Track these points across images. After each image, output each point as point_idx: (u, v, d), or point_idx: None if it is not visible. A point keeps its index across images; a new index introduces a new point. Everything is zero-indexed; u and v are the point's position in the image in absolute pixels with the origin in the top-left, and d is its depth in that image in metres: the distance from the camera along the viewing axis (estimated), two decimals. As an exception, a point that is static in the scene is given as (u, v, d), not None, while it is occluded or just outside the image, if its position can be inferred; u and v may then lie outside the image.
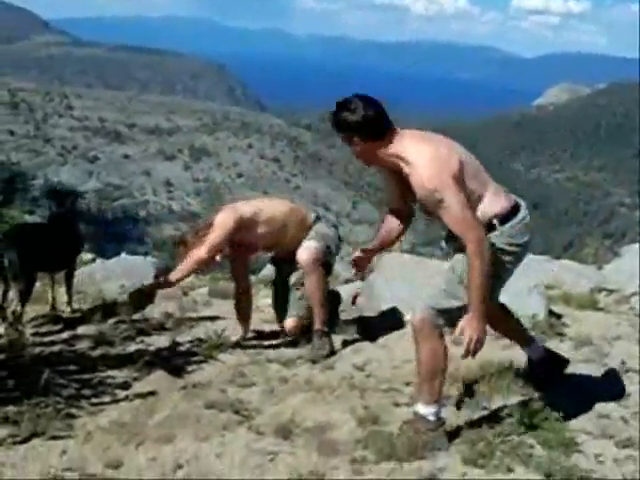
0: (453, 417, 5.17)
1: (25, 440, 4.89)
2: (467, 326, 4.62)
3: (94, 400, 5.64)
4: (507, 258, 4.80)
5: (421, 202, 4.70)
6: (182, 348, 6.96)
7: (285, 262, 7.22)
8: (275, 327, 7.52)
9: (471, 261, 4.51)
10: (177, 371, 6.27)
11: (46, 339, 7.28)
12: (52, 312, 8.07)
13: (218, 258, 6.97)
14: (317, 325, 6.89)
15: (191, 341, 7.12)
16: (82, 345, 7.08)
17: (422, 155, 4.60)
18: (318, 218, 7.26)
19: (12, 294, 7.26)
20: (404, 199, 5.10)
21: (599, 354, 6.60)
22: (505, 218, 4.77)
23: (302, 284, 7.11)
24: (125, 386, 5.93)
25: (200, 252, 6.72)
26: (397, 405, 5.56)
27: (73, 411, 5.38)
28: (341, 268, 7.93)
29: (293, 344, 7.07)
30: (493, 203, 4.76)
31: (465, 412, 5.34)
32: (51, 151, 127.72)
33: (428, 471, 4.48)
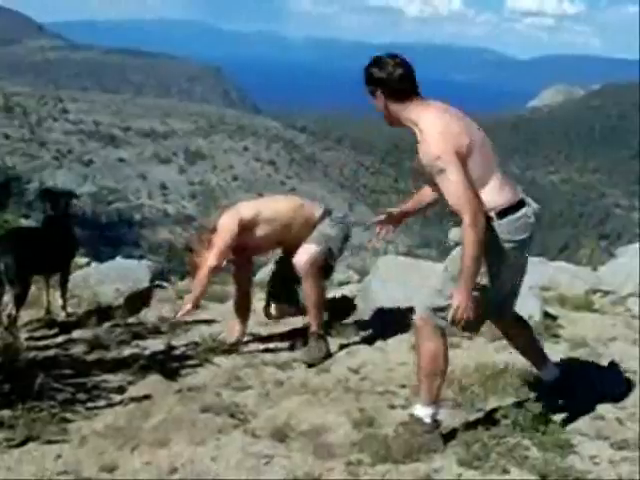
0: (449, 419, 5.17)
1: (20, 444, 4.89)
2: (455, 295, 4.63)
3: (89, 404, 5.64)
4: (492, 250, 4.76)
5: (424, 170, 4.73)
6: (177, 352, 6.95)
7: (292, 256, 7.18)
8: (271, 330, 7.52)
9: (465, 233, 4.53)
10: (172, 375, 6.26)
11: (41, 343, 7.27)
12: (47, 316, 8.05)
13: (224, 262, 6.99)
14: (313, 327, 6.86)
15: (186, 344, 7.10)
16: (77, 349, 7.07)
17: (434, 126, 4.69)
18: (326, 215, 7.09)
19: (7, 298, 7.24)
20: None
21: (594, 355, 6.60)
22: (504, 212, 4.77)
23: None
24: (120, 390, 5.92)
25: (210, 261, 6.78)
26: (392, 407, 5.56)
27: (68, 415, 5.38)
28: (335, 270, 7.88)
29: (290, 347, 7.07)
30: (495, 195, 4.76)
31: (461, 414, 5.34)
32: (46, 155, 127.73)
33: (424, 473, 4.49)
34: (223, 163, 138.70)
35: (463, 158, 4.62)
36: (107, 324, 7.77)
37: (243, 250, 7.03)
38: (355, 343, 7.10)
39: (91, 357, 6.85)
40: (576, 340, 6.88)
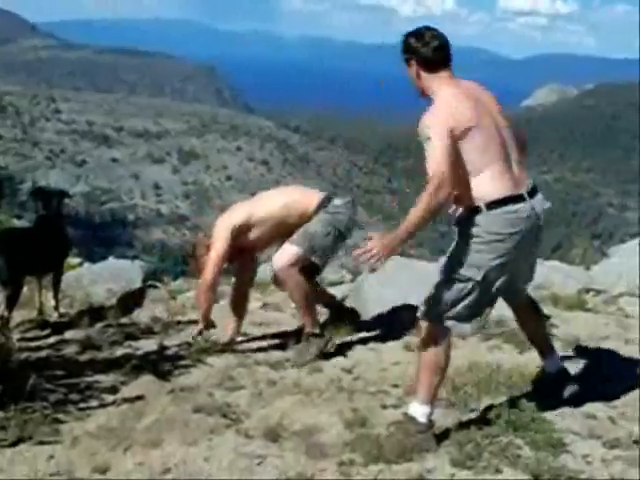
0: (442, 419, 5.17)
1: (12, 445, 4.88)
2: (379, 238, 4.69)
3: (81, 405, 5.62)
4: (479, 243, 4.84)
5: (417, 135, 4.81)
6: (170, 352, 6.94)
7: None
8: (265, 330, 7.52)
9: (422, 198, 4.59)
10: (165, 375, 6.25)
11: (33, 344, 7.26)
12: (39, 317, 8.04)
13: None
14: (307, 328, 6.83)
15: (179, 345, 7.09)
16: (69, 350, 7.06)
17: (443, 100, 4.85)
18: (322, 206, 6.91)
19: (-1, 299, 7.24)
20: None
21: (587, 355, 6.61)
22: (494, 204, 4.79)
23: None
24: (113, 390, 5.91)
25: (206, 277, 6.86)
26: (385, 407, 5.56)
27: (60, 416, 5.36)
28: (326, 270, 7.86)
29: (282, 347, 7.06)
30: (487, 185, 4.80)
31: (454, 413, 5.34)
32: (39, 155, 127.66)
33: (416, 473, 4.48)
34: (216, 163, 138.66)
35: (457, 138, 4.70)
36: (99, 324, 7.76)
37: (240, 252, 7.04)
38: (348, 343, 7.09)
39: (83, 357, 6.84)
40: (569, 339, 6.89)
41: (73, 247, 9.83)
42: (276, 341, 7.20)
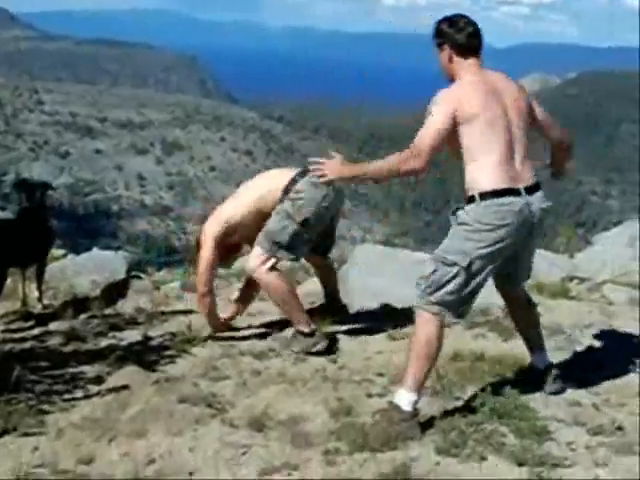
0: (426, 407, 5.18)
1: (-3, 436, 4.87)
2: (338, 161, 5.12)
3: (66, 396, 5.61)
4: (468, 231, 4.94)
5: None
6: (154, 342, 6.93)
7: None
8: (249, 320, 7.52)
9: (394, 155, 5.00)
10: (149, 365, 6.24)
11: (17, 335, 7.25)
12: (23, 308, 8.01)
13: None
14: (297, 327, 6.71)
15: (163, 335, 7.08)
16: (54, 341, 7.04)
17: (459, 84, 5.13)
18: (285, 194, 6.68)
19: (-18, 291, 7.22)
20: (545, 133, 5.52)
21: (571, 342, 6.64)
22: (486, 195, 4.90)
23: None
24: (97, 381, 5.90)
25: (199, 290, 6.93)
26: (370, 396, 5.57)
27: (45, 407, 5.36)
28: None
29: (265, 336, 7.06)
30: (481, 175, 4.95)
31: (438, 402, 5.35)
32: (22, 146, 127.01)
33: (401, 461, 4.48)
34: (200, 154, 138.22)
35: (458, 123, 4.92)
36: (84, 316, 7.75)
37: (236, 248, 7.04)
38: (333, 332, 7.09)
39: (68, 349, 6.83)
40: (553, 327, 6.91)
41: (57, 238, 9.79)
42: (260, 331, 7.19)
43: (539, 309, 7.30)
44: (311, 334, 6.62)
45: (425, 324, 4.96)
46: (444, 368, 5.75)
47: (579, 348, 6.50)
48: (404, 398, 4.91)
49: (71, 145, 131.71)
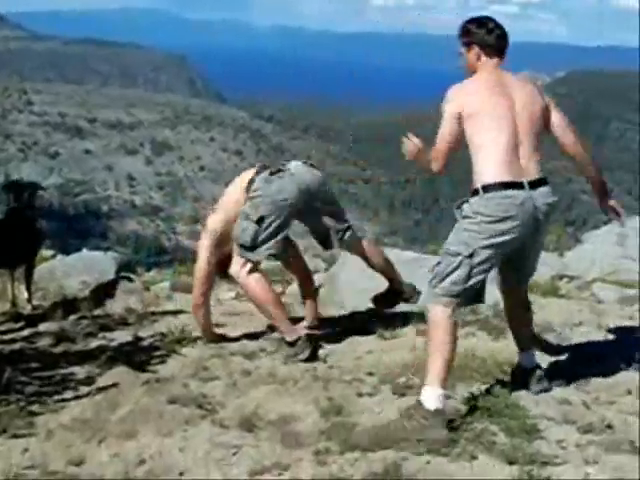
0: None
1: (-13, 438, 4.86)
2: (415, 143, 5.37)
3: (56, 397, 5.61)
4: (471, 223, 5.00)
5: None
6: (144, 343, 6.93)
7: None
8: (239, 320, 7.51)
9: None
10: (139, 366, 6.23)
11: (7, 337, 7.24)
12: (12, 309, 8.00)
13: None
14: (280, 333, 6.66)
15: (153, 336, 7.08)
16: (43, 342, 7.04)
17: (471, 80, 5.33)
18: (248, 199, 6.62)
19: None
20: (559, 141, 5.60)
21: (561, 340, 6.65)
22: (489, 187, 4.97)
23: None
24: (87, 382, 5.89)
25: (195, 301, 6.94)
26: (360, 396, 5.56)
27: (35, 408, 5.35)
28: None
29: (255, 337, 7.05)
30: (484, 167, 5.04)
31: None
32: (11, 147, 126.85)
33: (392, 460, 4.48)
34: (190, 154, 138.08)
35: (463, 118, 5.10)
36: (73, 316, 7.73)
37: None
38: (323, 332, 7.08)
39: (58, 350, 6.83)
40: (543, 325, 6.91)
41: (46, 239, 9.78)
42: (250, 331, 7.18)
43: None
44: (293, 343, 6.51)
45: (436, 317, 4.98)
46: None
47: (568, 346, 6.51)
48: (428, 395, 4.88)
49: (60, 145, 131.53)
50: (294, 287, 8.31)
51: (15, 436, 4.91)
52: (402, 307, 7.29)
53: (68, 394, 5.68)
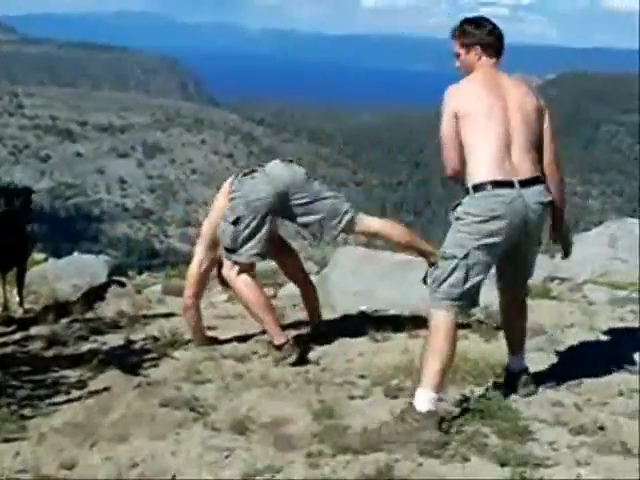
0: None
1: (-22, 442, 4.85)
2: None
3: (48, 401, 5.60)
4: (463, 224, 5.00)
5: None
6: (136, 346, 6.92)
7: None
8: (231, 323, 7.51)
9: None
10: (131, 369, 6.22)
11: (-2, 340, 7.23)
12: (4, 313, 7.99)
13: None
14: (273, 341, 6.56)
15: (145, 339, 7.07)
16: (35, 346, 7.03)
17: (467, 80, 5.31)
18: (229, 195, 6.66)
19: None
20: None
21: (552, 342, 6.65)
22: (480, 186, 4.98)
23: None
24: (79, 386, 5.88)
25: (185, 303, 6.96)
26: (352, 398, 5.55)
27: (27, 412, 5.34)
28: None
29: (246, 339, 7.05)
30: (477, 167, 5.03)
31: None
32: (2, 151, 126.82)
33: (384, 463, 4.48)
34: (181, 156, 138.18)
35: (458, 118, 5.07)
36: (65, 320, 7.72)
37: None
38: (315, 334, 7.08)
39: (49, 353, 6.81)
40: (534, 327, 6.91)
41: (38, 242, 9.77)
42: (242, 333, 7.17)
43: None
44: (280, 347, 6.47)
45: (437, 322, 4.97)
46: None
47: (560, 348, 6.52)
48: (421, 397, 4.89)
49: (52, 149, 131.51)
50: (285, 290, 8.33)
51: (7, 440, 4.89)
52: (393, 309, 7.30)
53: (60, 398, 5.66)
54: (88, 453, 4.74)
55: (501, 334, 5.95)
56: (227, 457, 4.64)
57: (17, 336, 7.35)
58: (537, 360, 6.05)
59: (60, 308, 8.00)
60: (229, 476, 4.45)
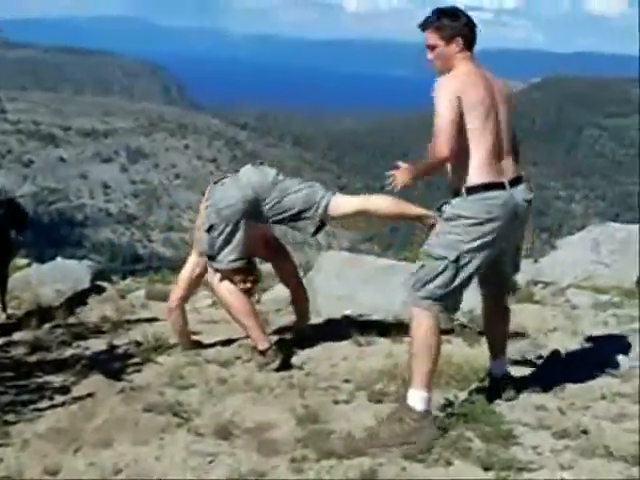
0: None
1: (-39, 448, 4.83)
2: (402, 168, 4.93)
3: (31, 406, 5.58)
4: (455, 226, 4.98)
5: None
6: (119, 351, 6.90)
7: None
8: (214, 328, 7.50)
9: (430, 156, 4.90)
10: (115, 374, 6.21)
11: (-19, 346, 7.20)
12: (-13, 319, 7.96)
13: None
14: (256, 345, 6.55)
15: (128, 344, 7.05)
16: (18, 351, 7.01)
17: (457, 74, 5.08)
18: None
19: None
20: None
21: (535, 346, 6.67)
22: (473, 189, 4.97)
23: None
24: (63, 391, 5.87)
25: (170, 304, 6.98)
26: (336, 403, 5.56)
27: (10, 418, 5.33)
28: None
29: (230, 344, 7.04)
30: (473, 170, 4.97)
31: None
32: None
33: (368, 467, 4.48)
34: (165, 161, 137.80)
35: (461, 110, 4.91)
36: (48, 325, 7.70)
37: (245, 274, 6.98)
38: (297, 339, 7.08)
39: (32, 359, 6.79)
40: (518, 331, 6.94)
41: (21, 248, 9.73)
42: (226, 338, 7.16)
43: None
44: (264, 352, 6.46)
45: (419, 320, 4.97)
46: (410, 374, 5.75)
47: (544, 352, 6.53)
48: (415, 397, 4.90)
49: (34, 154, 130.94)
50: (269, 295, 8.32)
51: (-10, 446, 4.89)
52: (377, 314, 7.31)
53: (43, 403, 5.65)
54: (72, 458, 4.74)
55: (485, 339, 5.95)
56: (211, 462, 4.64)
57: (0, 341, 7.32)
58: (520, 364, 6.07)
59: (43, 313, 7.97)
60: (213, 481, 4.45)
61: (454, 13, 5.23)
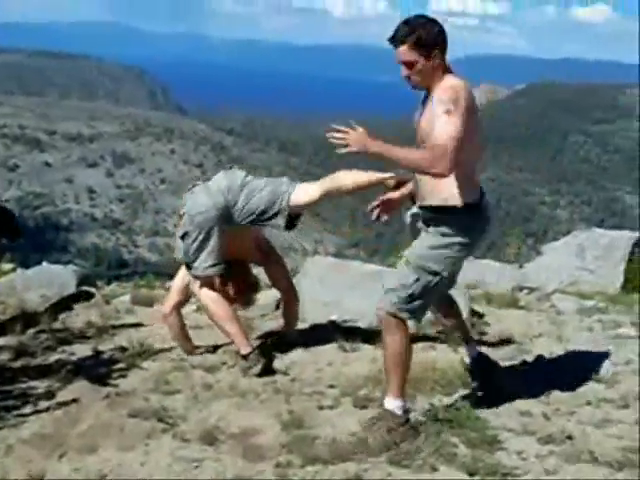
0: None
1: (-55, 454, 4.81)
2: (360, 132, 4.70)
3: (15, 412, 5.56)
4: (453, 243, 4.93)
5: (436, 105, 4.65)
6: (104, 357, 6.88)
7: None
8: (200, 333, 7.49)
9: (423, 151, 4.62)
10: (100, 380, 6.19)
11: (-35, 351, 7.16)
12: (-29, 324, 7.93)
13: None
14: (240, 350, 6.52)
15: (114, 349, 7.03)
16: (2, 356, 6.97)
17: (457, 81, 4.73)
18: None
19: None
20: None
21: (521, 352, 6.68)
22: (472, 206, 4.93)
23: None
24: (47, 397, 5.84)
25: (164, 309, 7.01)
26: (321, 408, 5.56)
27: (-6, 424, 5.31)
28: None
29: (215, 349, 7.04)
30: (468, 185, 4.87)
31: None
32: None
33: (354, 473, 4.49)
34: (151, 166, 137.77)
35: (475, 111, 4.77)
36: (32, 330, 7.67)
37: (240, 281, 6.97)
38: (283, 344, 7.07)
39: (17, 364, 6.76)
40: (503, 337, 6.96)
41: (6, 252, 9.70)
42: (211, 344, 7.15)
43: (488, 319, 7.42)
44: (247, 356, 6.45)
45: (397, 330, 4.97)
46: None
47: (529, 358, 6.55)
48: (394, 404, 4.92)
49: (20, 158, 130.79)
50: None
51: (-26, 452, 4.87)
52: (363, 320, 7.30)
53: (28, 409, 5.63)
54: (57, 464, 4.72)
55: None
56: (196, 468, 4.64)
57: (-16, 347, 7.30)
58: (505, 369, 6.08)
59: (28, 318, 7.94)
60: (198, 486, 4.45)
61: (426, 22, 4.81)
